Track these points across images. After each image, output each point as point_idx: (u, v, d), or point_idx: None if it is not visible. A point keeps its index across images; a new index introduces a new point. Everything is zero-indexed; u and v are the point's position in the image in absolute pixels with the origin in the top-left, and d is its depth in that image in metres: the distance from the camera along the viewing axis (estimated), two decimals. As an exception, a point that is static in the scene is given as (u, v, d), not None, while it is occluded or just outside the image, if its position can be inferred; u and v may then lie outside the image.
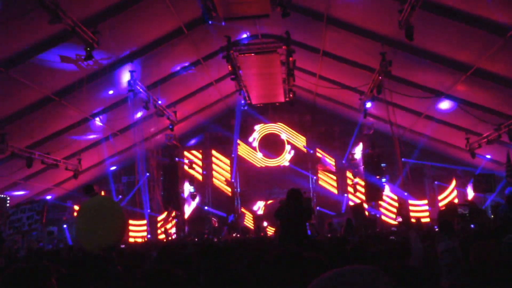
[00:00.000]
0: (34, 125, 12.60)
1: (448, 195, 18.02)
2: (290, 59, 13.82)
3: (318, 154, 19.68)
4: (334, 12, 11.62)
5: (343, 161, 19.32)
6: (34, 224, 10.03)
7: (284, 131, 20.22)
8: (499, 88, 11.29)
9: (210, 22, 11.03)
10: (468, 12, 9.40)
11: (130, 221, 17.84)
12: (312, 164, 19.82)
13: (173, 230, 18.41)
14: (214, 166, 20.37)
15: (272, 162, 20.07)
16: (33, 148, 13.10)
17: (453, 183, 18.15)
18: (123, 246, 13.11)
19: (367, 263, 1.37)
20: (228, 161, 20.27)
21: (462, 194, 17.77)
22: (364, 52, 12.84)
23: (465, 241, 4.77)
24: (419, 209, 18.17)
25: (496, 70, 10.86)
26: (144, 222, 17.86)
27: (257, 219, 18.93)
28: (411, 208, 18.19)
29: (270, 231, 17.47)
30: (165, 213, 18.29)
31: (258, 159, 20.18)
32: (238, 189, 20.48)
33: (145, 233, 17.76)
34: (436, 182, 18.65)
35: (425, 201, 18.40)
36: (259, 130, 20.33)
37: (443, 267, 4.75)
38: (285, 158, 19.99)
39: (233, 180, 20.18)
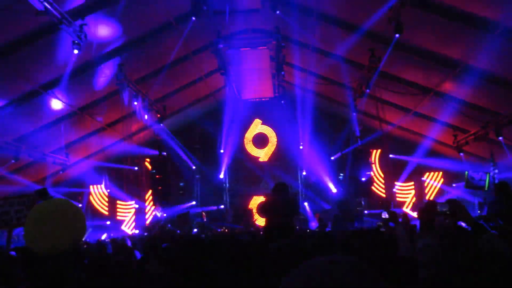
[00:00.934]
0: (22, 118, 12.47)
1: (432, 192, 18.16)
2: (280, 54, 13.85)
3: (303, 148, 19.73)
4: (324, 7, 11.61)
5: (332, 158, 19.34)
6: (23, 218, 9.90)
7: (272, 127, 20.25)
8: (487, 85, 11.36)
9: (193, 18, 11.04)
10: (456, 8, 9.44)
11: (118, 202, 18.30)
12: (301, 159, 19.83)
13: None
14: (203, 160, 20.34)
15: (260, 154, 20.09)
16: (20, 141, 13.00)
17: (439, 178, 18.25)
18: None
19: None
20: (217, 156, 20.21)
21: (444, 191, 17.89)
22: (354, 48, 12.86)
23: (445, 238, 4.80)
24: (406, 192, 18.52)
25: (484, 67, 10.93)
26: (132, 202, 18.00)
27: (246, 213, 18.90)
28: (397, 190, 18.47)
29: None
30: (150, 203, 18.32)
31: (247, 153, 20.19)
32: (227, 185, 20.47)
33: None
34: (422, 178, 18.74)
35: (412, 184, 18.59)
36: (250, 127, 20.38)
37: (420, 263, 4.77)
38: (272, 152, 20.05)
39: (221, 175, 20.16)
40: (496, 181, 13.15)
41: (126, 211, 18.22)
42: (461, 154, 15.49)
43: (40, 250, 3.01)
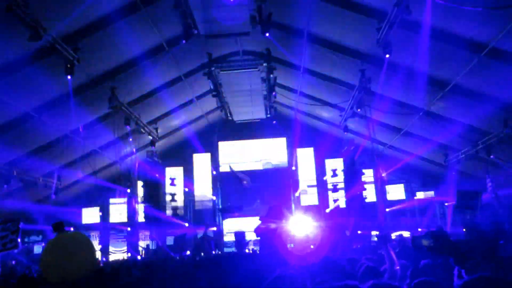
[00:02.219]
0: (13, 143, 12.43)
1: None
2: (271, 76, 13.96)
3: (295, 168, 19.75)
4: (314, 28, 11.76)
5: (323, 178, 19.38)
6: (9, 244, 9.79)
7: (264, 147, 20.31)
8: (476, 104, 11.49)
9: (183, 41, 11.15)
10: (445, 30, 9.60)
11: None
12: (293, 179, 19.84)
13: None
14: (195, 182, 20.25)
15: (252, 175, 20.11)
16: (11, 166, 12.95)
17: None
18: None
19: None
20: (209, 177, 20.16)
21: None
22: (344, 69, 13.02)
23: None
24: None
25: (472, 87, 11.07)
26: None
27: (238, 234, 18.78)
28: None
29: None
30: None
31: (240, 174, 20.16)
32: (219, 205, 20.40)
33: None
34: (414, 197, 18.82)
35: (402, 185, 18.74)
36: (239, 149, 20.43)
37: None
38: (265, 173, 20.06)
39: (214, 196, 20.10)
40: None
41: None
42: (452, 172, 15.57)
43: (54, 278, 3.27)
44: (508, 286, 2.55)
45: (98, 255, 17.50)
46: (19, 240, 8.99)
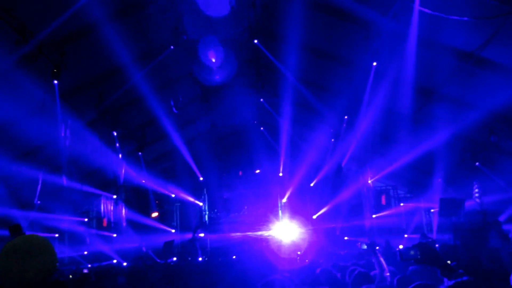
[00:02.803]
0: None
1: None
2: (259, 82, 14.01)
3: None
4: (302, 36, 11.82)
5: (311, 184, 19.43)
6: None
7: (251, 154, 20.31)
8: (462, 113, 11.60)
9: (171, 47, 11.16)
10: (432, 39, 9.70)
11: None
12: (281, 186, 19.87)
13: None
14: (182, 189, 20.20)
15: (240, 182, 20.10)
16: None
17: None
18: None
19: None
20: (197, 184, 20.13)
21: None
22: (332, 76, 13.10)
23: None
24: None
25: (459, 95, 11.19)
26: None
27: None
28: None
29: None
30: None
31: (227, 181, 20.17)
32: (207, 212, 20.34)
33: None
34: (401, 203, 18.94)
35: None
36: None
37: None
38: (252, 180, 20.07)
39: (202, 204, 20.06)
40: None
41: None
42: (439, 180, 15.69)
43: (8, 284, 3.18)
44: None
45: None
46: None
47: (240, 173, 20.31)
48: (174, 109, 14.44)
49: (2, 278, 3.18)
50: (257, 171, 19.88)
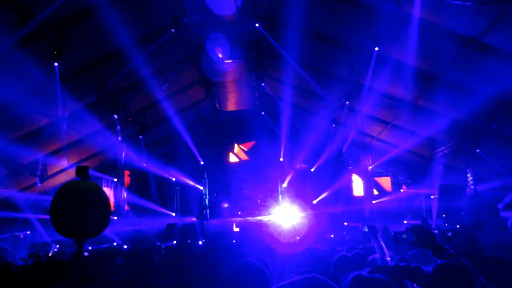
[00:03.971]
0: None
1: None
2: (260, 67, 13.94)
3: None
4: (303, 20, 11.74)
5: (311, 170, 19.45)
6: None
7: (252, 139, 20.33)
8: (463, 98, 11.56)
9: (172, 30, 11.08)
10: (434, 24, 9.63)
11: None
12: (281, 171, 19.89)
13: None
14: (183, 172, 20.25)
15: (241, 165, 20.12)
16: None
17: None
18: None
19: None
20: (197, 168, 20.17)
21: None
22: (333, 61, 13.04)
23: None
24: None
25: (460, 81, 11.14)
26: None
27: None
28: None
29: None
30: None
31: (228, 165, 20.20)
32: (207, 197, 20.40)
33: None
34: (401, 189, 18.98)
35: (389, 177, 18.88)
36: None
37: None
38: (252, 164, 20.09)
39: (202, 188, 20.11)
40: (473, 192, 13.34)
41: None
42: (439, 166, 15.70)
43: (58, 223, 2.96)
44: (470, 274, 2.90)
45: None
46: None
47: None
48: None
49: (54, 216, 3.02)
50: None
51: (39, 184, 15.73)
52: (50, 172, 16.00)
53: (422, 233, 3.50)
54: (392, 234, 3.53)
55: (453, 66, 10.60)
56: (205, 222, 19.33)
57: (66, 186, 3.18)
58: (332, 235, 16.22)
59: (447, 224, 12.11)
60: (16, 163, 13.93)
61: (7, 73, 10.53)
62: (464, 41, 9.59)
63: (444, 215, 12.67)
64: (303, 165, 18.72)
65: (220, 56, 14.08)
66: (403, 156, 17.97)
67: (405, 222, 17.94)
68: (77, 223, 3.01)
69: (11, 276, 5.81)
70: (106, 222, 3.26)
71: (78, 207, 3.06)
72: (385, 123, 15.67)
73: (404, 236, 3.48)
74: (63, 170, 16.78)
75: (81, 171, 3.40)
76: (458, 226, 11.03)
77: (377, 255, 5.31)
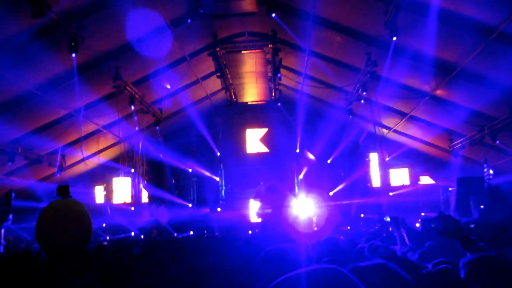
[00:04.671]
0: (17, 120, 12.45)
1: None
2: (276, 57, 13.88)
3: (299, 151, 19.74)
4: (320, 10, 11.65)
5: (327, 161, 19.37)
6: (3, 214, 9.80)
7: (268, 130, 20.29)
8: (482, 90, 11.40)
9: (189, 20, 11.07)
10: (453, 13, 9.48)
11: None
12: (297, 163, 19.83)
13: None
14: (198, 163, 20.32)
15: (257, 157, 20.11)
16: (16, 144, 13.01)
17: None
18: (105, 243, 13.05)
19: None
20: (214, 159, 20.22)
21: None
22: (350, 52, 12.92)
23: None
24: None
25: (479, 72, 10.97)
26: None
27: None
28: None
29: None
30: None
31: (244, 156, 20.20)
32: (223, 188, 20.44)
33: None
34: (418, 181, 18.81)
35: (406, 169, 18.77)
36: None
37: None
38: (269, 155, 20.07)
39: (218, 179, 20.16)
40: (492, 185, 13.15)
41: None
42: (457, 158, 15.52)
43: (43, 244, 3.09)
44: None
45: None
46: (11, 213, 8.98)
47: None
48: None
49: (39, 237, 3.12)
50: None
51: (58, 175, 15.94)
52: (68, 162, 16.22)
53: (450, 223, 3.44)
54: (419, 220, 3.50)
55: (472, 57, 10.43)
56: (221, 213, 19.38)
57: (48, 207, 3.39)
58: (348, 227, 16.17)
59: (465, 217, 11.96)
60: (35, 153, 14.14)
61: (25, 64, 10.65)
62: (484, 31, 9.43)
63: (461, 208, 12.51)
64: (311, 156, 18.64)
65: (237, 46, 14.06)
66: (421, 148, 17.82)
67: (422, 214, 17.80)
68: (58, 241, 3.19)
69: (32, 263, 5.88)
70: (87, 237, 3.44)
71: (57, 225, 3.24)
72: (402, 114, 15.51)
73: (432, 225, 3.44)
74: (81, 160, 16.97)
75: (61, 191, 3.57)
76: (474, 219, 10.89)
77: (398, 246, 5.29)
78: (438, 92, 12.94)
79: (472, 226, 10.25)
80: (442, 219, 3.45)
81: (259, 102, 19.35)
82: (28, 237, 14.89)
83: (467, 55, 10.54)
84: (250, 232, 16.63)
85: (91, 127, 15.38)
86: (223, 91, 17.55)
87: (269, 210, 10.38)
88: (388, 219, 10.98)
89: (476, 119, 12.98)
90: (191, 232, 17.44)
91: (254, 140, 20.46)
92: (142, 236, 16.86)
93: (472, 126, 13.43)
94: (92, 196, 18.69)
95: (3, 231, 9.49)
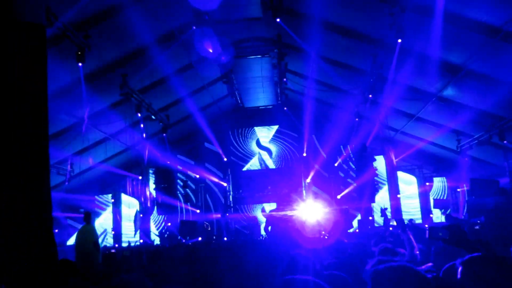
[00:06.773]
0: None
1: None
2: (282, 62, 13.90)
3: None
4: (325, 14, 11.66)
5: (335, 164, 19.36)
6: None
7: (275, 134, 20.29)
8: (489, 90, 11.36)
9: (194, 27, 11.11)
10: (458, 14, 9.47)
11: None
12: (305, 166, 19.83)
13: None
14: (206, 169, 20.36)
15: (264, 162, 20.11)
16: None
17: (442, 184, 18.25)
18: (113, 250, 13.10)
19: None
20: (221, 165, 20.26)
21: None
22: (356, 54, 12.93)
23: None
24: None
25: (486, 72, 10.94)
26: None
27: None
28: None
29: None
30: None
31: (251, 161, 20.22)
32: (231, 193, 20.45)
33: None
34: (427, 183, 18.75)
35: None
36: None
37: None
38: (276, 160, 20.06)
39: (226, 184, 20.19)
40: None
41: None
42: (465, 158, 15.47)
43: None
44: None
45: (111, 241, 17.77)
46: None
47: None
48: None
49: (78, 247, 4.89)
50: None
51: (67, 183, 16.00)
52: (76, 170, 16.26)
53: (457, 233, 3.44)
54: (426, 228, 3.50)
55: (478, 57, 10.41)
56: (229, 218, 19.39)
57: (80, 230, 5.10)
58: (357, 230, 16.13)
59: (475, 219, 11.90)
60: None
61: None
62: (489, 31, 9.41)
63: (473, 211, 12.44)
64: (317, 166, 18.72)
65: (242, 52, 14.10)
66: (428, 149, 17.76)
67: (431, 215, 17.76)
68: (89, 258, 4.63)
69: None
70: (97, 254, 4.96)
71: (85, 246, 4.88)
72: (409, 116, 15.48)
73: (440, 234, 3.43)
74: (89, 169, 17.03)
75: (86, 217, 5.40)
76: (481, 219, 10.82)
77: (406, 250, 5.26)
78: (445, 93, 12.91)
79: (477, 227, 10.22)
80: (450, 229, 3.45)
81: (266, 107, 19.37)
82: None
83: (473, 55, 10.52)
84: (261, 237, 16.62)
85: (98, 135, 15.44)
86: (229, 97, 17.57)
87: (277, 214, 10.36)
88: (395, 222, 10.94)
89: (483, 119, 12.93)
90: (200, 238, 17.45)
91: (262, 145, 20.47)
92: (151, 243, 16.91)
93: (479, 126, 13.38)
94: (99, 204, 18.75)
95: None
